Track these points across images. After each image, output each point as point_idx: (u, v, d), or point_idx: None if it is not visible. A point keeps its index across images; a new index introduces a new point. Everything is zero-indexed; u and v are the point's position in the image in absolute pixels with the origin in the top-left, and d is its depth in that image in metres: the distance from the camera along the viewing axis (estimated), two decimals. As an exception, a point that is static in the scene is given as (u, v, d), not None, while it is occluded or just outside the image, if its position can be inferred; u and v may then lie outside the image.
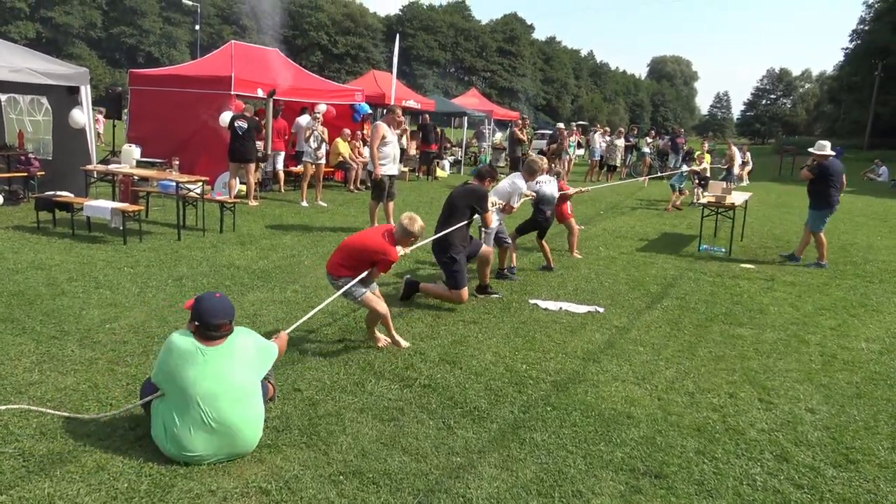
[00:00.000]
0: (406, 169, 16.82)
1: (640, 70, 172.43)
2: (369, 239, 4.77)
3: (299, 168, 12.79)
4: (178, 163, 11.81)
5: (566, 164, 18.96)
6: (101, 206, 8.27)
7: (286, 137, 13.39)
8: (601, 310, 6.24)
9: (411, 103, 18.78)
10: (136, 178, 9.46)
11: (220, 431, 3.17)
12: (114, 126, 14.21)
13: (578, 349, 5.14)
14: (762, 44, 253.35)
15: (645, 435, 3.76)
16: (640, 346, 5.27)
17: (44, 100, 10.39)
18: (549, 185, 7.56)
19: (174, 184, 8.70)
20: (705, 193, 11.54)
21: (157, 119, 12.80)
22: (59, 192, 8.85)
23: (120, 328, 5.00)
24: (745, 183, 20.13)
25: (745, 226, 11.21)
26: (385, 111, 11.75)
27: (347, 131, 14.69)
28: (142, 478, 3.06)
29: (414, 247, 5.45)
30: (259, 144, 11.79)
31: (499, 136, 27.32)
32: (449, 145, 23.40)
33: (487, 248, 6.51)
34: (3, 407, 3.61)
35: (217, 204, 9.26)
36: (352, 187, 14.53)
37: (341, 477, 3.17)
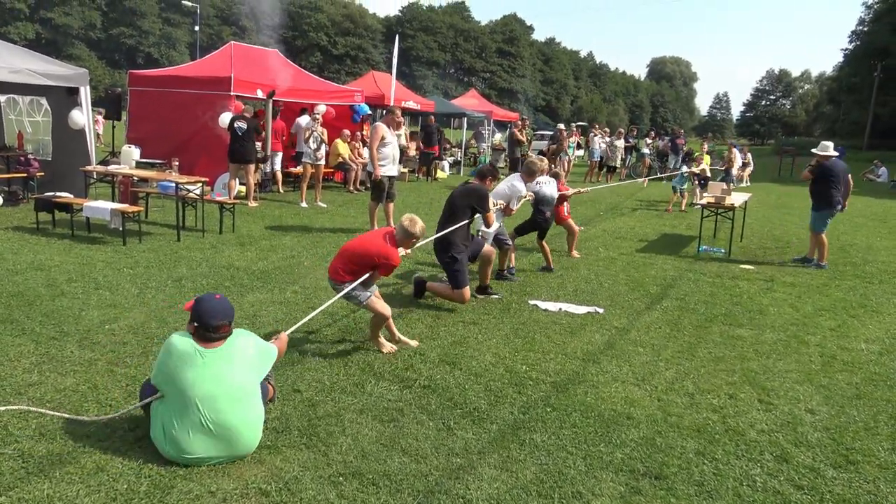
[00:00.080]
0: (406, 170, 16.80)
1: (640, 71, 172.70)
2: (370, 243, 4.73)
3: (299, 169, 12.79)
4: (177, 163, 11.85)
5: (565, 164, 18.99)
6: (100, 206, 8.26)
7: (283, 138, 13.37)
8: (601, 311, 6.24)
9: (411, 104, 18.79)
10: (135, 178, 9.46)
11: (219, 434, 3.17)
12: (113, 127, 14.23)
13: (578, 350, 5.14)
14: (762, 44, 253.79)
15: (645, 436, 3.76)
16: (640, 347, 5.27)
17: (43, 101, 10.38)
18: (548, 186, 7.57)
19: (174, 185, 8.70)
20: (705, 194, 11.55)
21: (156, 120, 12.80)
22: (58, 193, 8.84)
23: (119, 329, 5.00)
24: (745, 184, 20.16)
25: (745, 227, 11.22)
26: (384, 112, 11.75)
27: (347, 132, 14.68)
28: (141, 479, 3.06)
29: (415, 247, 5.44)
30: (259, 145, 11.79)
31: (498, 136, 27.31)
32: (448, 146, 23.41)
33: (490, 248, 6.51)
34: (3, 408, 3.60)
35: (216, 205, 9.27)
36: (351, 188, 14.53)
37: (341, 478, 3.17)
